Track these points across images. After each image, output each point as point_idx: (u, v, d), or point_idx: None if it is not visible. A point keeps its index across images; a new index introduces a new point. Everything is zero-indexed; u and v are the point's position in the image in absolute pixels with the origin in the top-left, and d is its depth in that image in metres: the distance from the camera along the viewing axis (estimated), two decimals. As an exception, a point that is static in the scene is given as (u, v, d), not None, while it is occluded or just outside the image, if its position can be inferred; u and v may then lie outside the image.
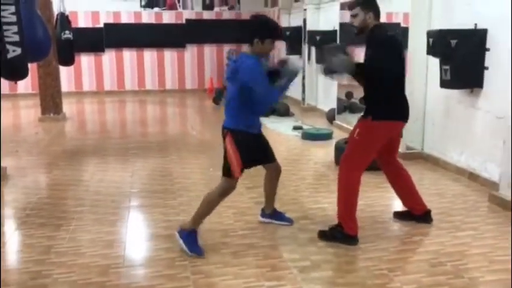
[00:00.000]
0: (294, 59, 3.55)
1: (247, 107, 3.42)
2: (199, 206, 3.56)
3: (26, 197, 4.86)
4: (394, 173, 4.00)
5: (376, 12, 3.64)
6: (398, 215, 4.13)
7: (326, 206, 4.47)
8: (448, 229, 3.88)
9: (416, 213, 4.01)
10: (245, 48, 3.54)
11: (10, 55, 4.85)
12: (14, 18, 4.86)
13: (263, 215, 4.04)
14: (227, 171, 3.49)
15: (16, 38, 4.87)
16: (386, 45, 3.55)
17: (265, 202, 4.02)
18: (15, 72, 5.08)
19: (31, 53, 5.57)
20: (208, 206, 3.54)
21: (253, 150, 3.54)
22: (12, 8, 4.82)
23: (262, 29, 3.41)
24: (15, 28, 4.86)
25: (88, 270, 3.27)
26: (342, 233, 3.61)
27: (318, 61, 9.13)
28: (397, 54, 3.59)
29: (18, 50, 4.90)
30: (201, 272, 3.22)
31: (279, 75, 3.42)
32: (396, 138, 3.92)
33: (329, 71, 3.63)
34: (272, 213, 4.00)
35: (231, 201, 4.52)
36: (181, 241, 3.50)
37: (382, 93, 3.56)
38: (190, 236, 3.50)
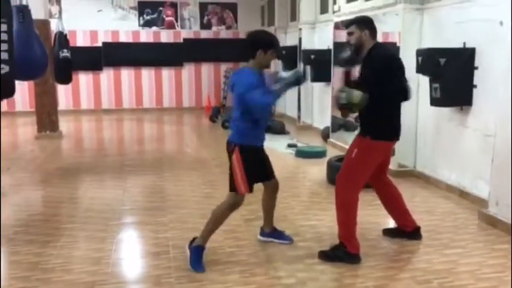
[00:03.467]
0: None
1: (250, 119, 3.46)
2: (207, 222, 3.56)
3: (16, 214, 4.86)
4: (384, 190, 4.02)
5: (372, 31, 3.67)
6: (387, 232, 4.13)
7: (316, 223, 4.48)
8: (436, 247, 3.88)
9: (406, 230, 4.01)
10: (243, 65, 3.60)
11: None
12: (5, 36, 4.91)
13: (263, 233, 4.00)
14: (233, 186, 3.51)
15: (5, 56, 4.91)
16: (387, 64, 3.55)
17: (264, 220, 4.00)
18: (3, 90, 5.10)
19: (28, 72, 5.62)
20: (216, 221, 3.56)
21: (257, 167, 3.57)
22: (5, 27, 4.87)
23: (265, 40, 3.51)
24: (5, 46, 4.91)
25: (74, 286, 3.26)
26: (344, 252, 3.59)
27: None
28: (398, 73, 3.60)
29: (7, 68, 4.94)
30: (186, 289, 3.21)
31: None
32: (389, 156, 3.96)
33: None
34: (272, 232, 3.98)
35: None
36: (188, 252, 3.52)
37: (382, 113, 3.57)
38: (198, 251, 3.49)
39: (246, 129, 3.50)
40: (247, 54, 3.50)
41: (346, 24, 3.76)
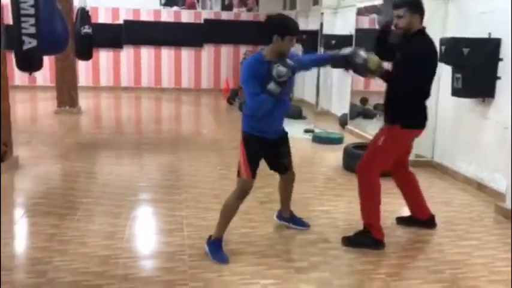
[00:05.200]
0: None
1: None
2: (220, 213, 3.45)
3: (35, 186, 4.95)
4: (405, 179, 4.01)
5: (423, 15, 3.55)
6: (401, 221, 4.12)
7: (330, 209, 4.48)
8: (450, 237, 3.86)
9: (420, 218, 4.00)
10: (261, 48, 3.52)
11: (26, 46, 4.96)
12: (32, 11, 4.96)
13: (280, 217, 3.99)
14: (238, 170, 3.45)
15: (32, 30, 4.97)
16: (423, 59, 3.45)
17: (281, 205, 3.98)
18: (30, 63, 5.17)
19: (49, 46, 5.68)
20: (227, 211, 3.42)
21: (258, 157, 3.47)
22: (31, 0, 4.92)
23: (282, 26, 3.28)
24: (32, 20, 4.97)
25: (88, 259, 3.33)
26: (370, 238, 3.58)
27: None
28: (432, 67, 3.55)
29: (34, 42, 5.01)
30: (198, 267, 3.25)
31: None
32: (412, 145, 3.94)
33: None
34: (289, 217, 3.96)
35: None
36: (207, 248, 3.42)
37: (410, 103, 3.55)
38: (214, 244, 3.40)
39: (252, 118, 3.37)
40: (265, 39, 3.33)
41: (396, 4, 3.55)
